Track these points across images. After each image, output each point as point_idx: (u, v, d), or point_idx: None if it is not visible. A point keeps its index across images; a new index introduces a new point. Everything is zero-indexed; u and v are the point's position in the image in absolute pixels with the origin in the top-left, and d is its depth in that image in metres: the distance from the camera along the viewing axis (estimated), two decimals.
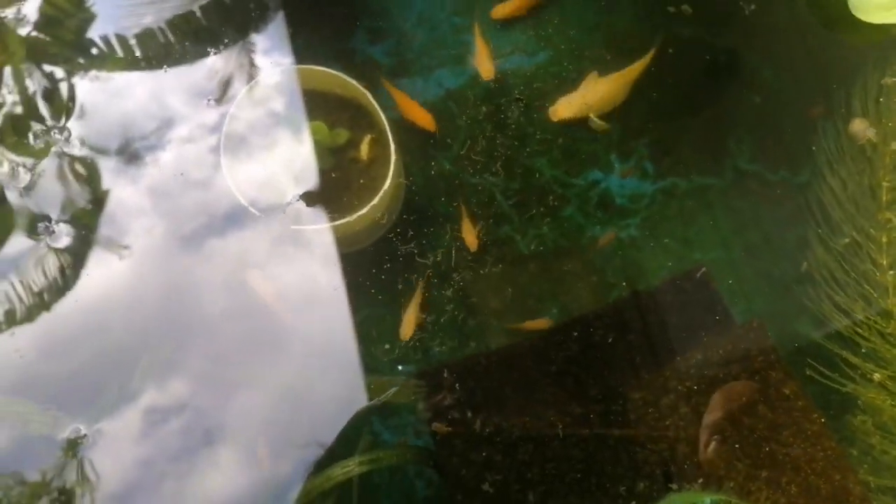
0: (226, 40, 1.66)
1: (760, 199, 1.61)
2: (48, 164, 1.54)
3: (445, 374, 1.47)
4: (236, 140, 1.47)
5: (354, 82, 1.45)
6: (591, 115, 1.61)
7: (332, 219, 1.43)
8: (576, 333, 1.46)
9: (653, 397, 1.32)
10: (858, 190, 1.48)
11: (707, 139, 1.66)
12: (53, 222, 1.50)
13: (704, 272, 1.50)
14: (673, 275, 1.55)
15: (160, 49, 1.64)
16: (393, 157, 1.43)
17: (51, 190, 1.53)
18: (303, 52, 1.67)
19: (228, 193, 1.43)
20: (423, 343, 1.53)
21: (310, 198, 1.46)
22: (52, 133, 1.53)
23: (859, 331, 1.38)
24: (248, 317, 1.50)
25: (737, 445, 1.26)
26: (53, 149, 1.55)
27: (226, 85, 1.62)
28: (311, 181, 1.48)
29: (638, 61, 1.64)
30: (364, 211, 1.39)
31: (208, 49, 1.65)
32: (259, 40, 1.70)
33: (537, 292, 1.58)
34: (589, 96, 1.61)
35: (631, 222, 1.62)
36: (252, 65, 1.63)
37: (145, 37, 1.65)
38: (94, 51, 1.64)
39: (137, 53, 1.64)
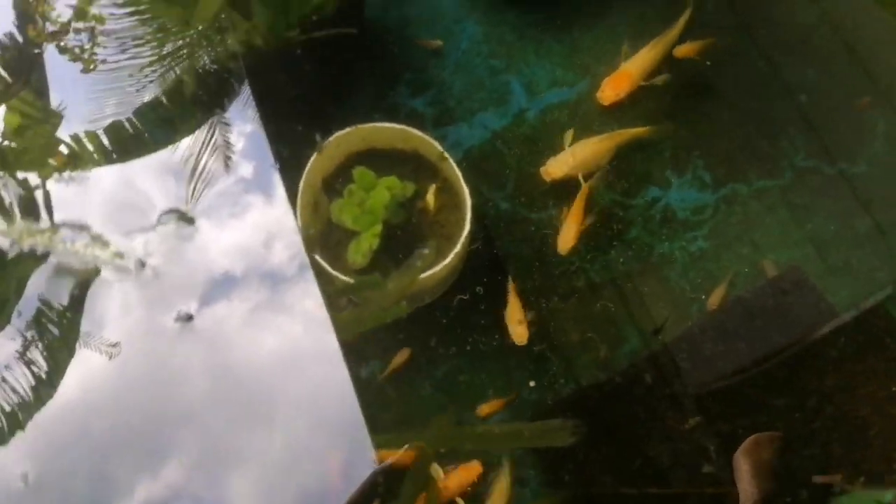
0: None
1: (822, 194, 1.62)
2: None
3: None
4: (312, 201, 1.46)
5: (417, 132, 1.45)
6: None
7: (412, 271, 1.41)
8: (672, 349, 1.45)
9: (797, 401, 1.29)
10: None
11: (760, 143, 1.68)
12: None
13: (797, 270, 1.49)
14: (766, 279, 1.53)
15: None
16: (469, 201, 1.42)
17: None
18: (349, 115, 1.66)
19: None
20: None
21: (392, 254, 1.44)
22: None
23: None
24: None
25: None
26: None
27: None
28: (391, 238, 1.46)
29: (630, 130, 1.63)
30: (448, 260, 1.37)
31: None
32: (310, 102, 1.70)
33: (616, 318, 1.57)
34: (578, 155, 1.58)
35: (698, 234, 1.62)
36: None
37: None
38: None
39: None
